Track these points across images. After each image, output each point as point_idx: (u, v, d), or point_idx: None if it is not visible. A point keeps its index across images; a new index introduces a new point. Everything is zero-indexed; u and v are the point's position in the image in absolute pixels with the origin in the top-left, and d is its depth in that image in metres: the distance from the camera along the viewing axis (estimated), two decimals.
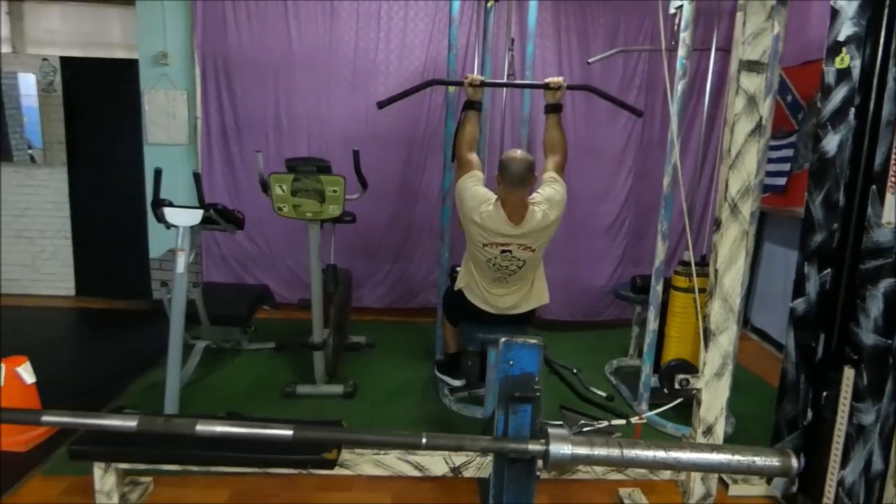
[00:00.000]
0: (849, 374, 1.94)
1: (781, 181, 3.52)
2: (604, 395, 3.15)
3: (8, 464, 2.35)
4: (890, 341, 1.79)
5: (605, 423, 2.08)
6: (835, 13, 2.03)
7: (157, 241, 4.08)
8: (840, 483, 1.97)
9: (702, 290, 2.82)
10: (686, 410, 2.59)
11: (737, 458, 1.05)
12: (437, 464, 2.09)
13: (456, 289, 2.76)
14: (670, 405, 2.09)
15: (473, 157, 2.58)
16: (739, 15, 1.80)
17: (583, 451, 1.02)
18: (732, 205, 1.89)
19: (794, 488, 2.22)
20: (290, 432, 1.03)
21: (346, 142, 3.92)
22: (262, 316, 3.65)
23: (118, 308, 4.22)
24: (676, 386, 2.05)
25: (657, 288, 2.85)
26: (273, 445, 1.90)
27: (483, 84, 2.60)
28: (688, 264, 2.88)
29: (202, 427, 1.05)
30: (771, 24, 1.83)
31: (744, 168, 1.87)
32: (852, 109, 1.95)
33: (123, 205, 4.16)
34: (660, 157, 3.90)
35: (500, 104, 3.52)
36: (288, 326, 3.85)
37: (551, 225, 2.45)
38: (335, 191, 2.63)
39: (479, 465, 2.10)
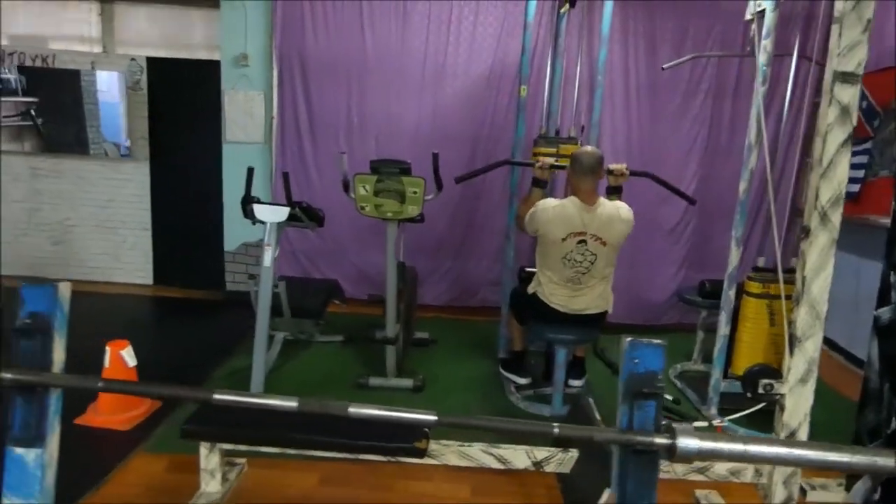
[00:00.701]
0: None
1: (855, 188, 3.47)
2: (670, 398, 3.20)
3: (113, 441, 2.54)
4: None
5: (698, 424, 2.12)
6: None
7: (232, 235, 4.29)
8: None
9: (777, 297, 2.84)
10: (757, 416, 2.64)
11: (857, 458, 1.10)
12: (519, 457, 2.18)
13: (530, 291, 2.85)
14: (752, 409, 2.12)
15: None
16: (835, 27, 1.83)
17: (708, 444, 1.09)
18: (822, 213, 1.92)
19: (876, 496, 2.21)
20: (434, 417, 1.13)
21: (412, 141, 4.05)
22: (331, 310, 3.80)
23: (194, 297, 4.45)
24: (760, 391, 2.09)
25: (730, 293, 2.86)
26: (367, 432, 2.03)
27: (552, 167, 2.81)
28: (762, 270, 2.88)
29: (354, 410, 1.16)
30: (866, 37, 1.85)
31: (835, 177, 1.89)
32: None
33: (201, 199, 4.39)
34: (726, 161, 3.90)
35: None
36: (354, 320, 4.00)
37: (622, 223, 2.62)
38: (415, 192, 2.74)
39: (560, 461, 2.19)
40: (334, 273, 4.21)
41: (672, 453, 1.09)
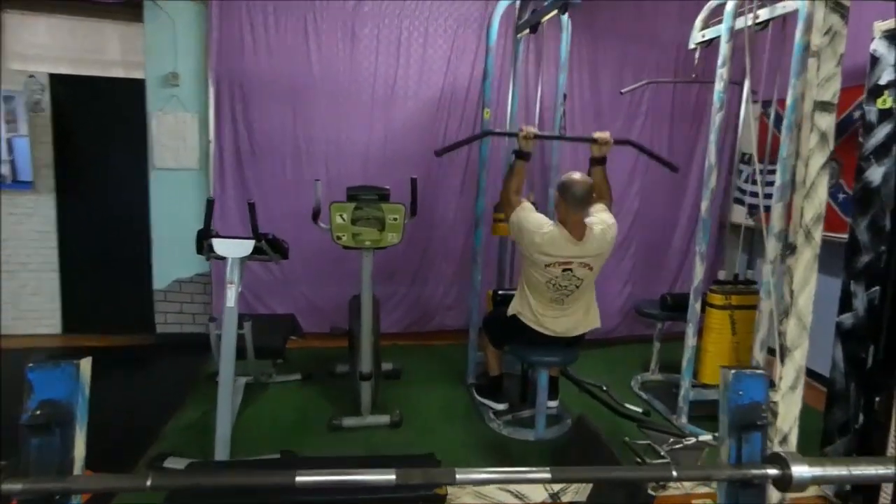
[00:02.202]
0: None
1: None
2: (639, 410, 3.31)
3: None
4: None
5: (694, 440, 2.19)
6: (874, 60, 2.29)
7: (162, 272, 3.89)
8: None
9: (738, 307, 3.04)
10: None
11: None
12: (536, 491, 2.13)
13: (510, 314, 2.83)
14: None
15: (522, 198, 2.71)
16: (812, 60, 1.99)
17: (818, 471, 1.10)
18: (806, 231, 2.07)
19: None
20: (548, 475, 1.05)
21: (363, 165, 3.93)
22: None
23: (117, 345, 3.95)
24: None
25: (696, 306, 3.02)
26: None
27: (536, 136, 2.71)
28: (722, 283, 3.07)
29: (462, 476, 1.05)
30: (840, 70, 2.04)
31: (816, 197, 2.05)
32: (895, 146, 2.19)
33: (122, 233, 3.94)
34: (665, 180, 4.14)
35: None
36: (306, 356, 3.77)
37: (609, 244, 2.62)
38: (395, 218, 2.64)
39: (576, 490, 2.17)
40: (282, 307, 3.96)
41: (787, 483, 1.10)
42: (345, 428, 2.94)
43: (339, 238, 2.62)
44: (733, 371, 1.17)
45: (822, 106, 2.00)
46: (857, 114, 3.32)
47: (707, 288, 3.07)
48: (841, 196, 3.43)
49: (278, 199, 3.84)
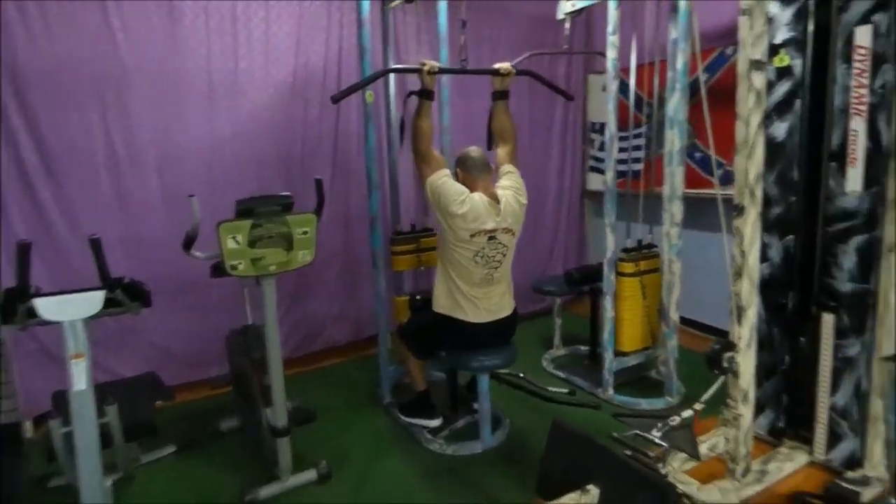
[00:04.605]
0: (828, 319, 2.32)
1: (639, 167, 4.03)
2: (564, 391, 3.24)
3: None
4: (867, 285, 2.19)
5: (677, 418, 2.12)
6: (768, 20, 2.38)
7: None
8: (832, 408, 2.36)
9: (646, 272, 3.09)
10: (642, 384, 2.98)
11: None
12: None
13: (437, 312, 2.52)
14: (717, 384, 2.22)
15: (437, 154, 2.49)
16: (744, 19, 1.97)
17: None
18: (751, 190, 2.08)
19: (781, 423, 2.58)
20: None
21: (210, 170, 3.20)
22: None
23: None
24: (725, 365, 2.20)
25: (611, 277, 3.00)
26: None
27: (441, 71, 2.46)
28: (630, 250, 3.10)
29: None
30: (766, 28, 2.06)
31: (756, 157, 2.07)
32: (797, 101, 2.32)
33: None
34: (526, 153, 4.07)
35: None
36: (176, 418, 2.99)
37: (523, 207, 2.53)
38: (305, 232, 2.11)
39: None
40: (120, 363, 3.07)
41: None
42: (264, 500, 2.35)
43: (233, 267, 2.00)
44: None
45: (756, 64, 2.00)
46: (704, 76, 3.59)
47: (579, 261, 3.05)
48: (697, 155, 3.71)
49: (95, 222, 2.92)
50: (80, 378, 1.85)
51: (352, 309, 3.76)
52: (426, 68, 2.37)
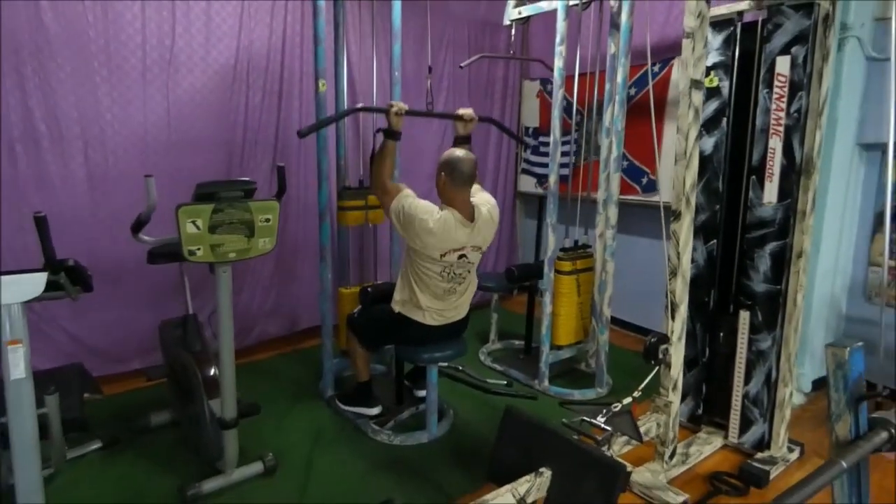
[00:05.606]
0: (744, 316, 2.60)
1: (566, 171, 4.25)
2: (503, 382, 3.37)
3: None
4: (779, 286, 2.48)
5: (619, 405, 2.28)
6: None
7: None
8: (745, 396, 2.65)
9: (581, 271, 3.28)
10: (573, 376, 3.18)
11: None
12: (507, 498, 1.95)
13: (396, 310, 2.54)
14: (652, 374, 2.41)
15: (397, 184, 2.48)
16: (687, 42, 2.17)
17: None
18: (686, 198, 2.30)
19: (700, 411, 2.85)
20: None
21: (143, 152, 3.03)
22: None
23: None
24: (660, 356, 2.40)
25: (550, 275, 3.16)
26: None
27: (408, 113, 2.47)
28: (567, 250, 3.27)
29: None
30: (706, 51, 2.27)
31: (692, 167, 2.29)
32: (724, 119, 2.58)
33: None
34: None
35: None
36: (102, 412, 2.80)
37: (496, 224, 2.56)
38: (268, 219, 2.05)
39: (538, 486, 2.05)
40: (43, 357, 2.82)
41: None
42: (207, 494, 2.26)
43: (191, 253, 1.91)
44: (850, 348, 1.18)
45: (696, 84, 2.21)
46: (632, 90, 3.85)
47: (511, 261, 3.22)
48: (626, 163, 3.97)
49: (8, 201, 2.67)
50: (17, 366, 1.70)
51: (287, 302, 3.67)
52: (394, 109, 2.38)
